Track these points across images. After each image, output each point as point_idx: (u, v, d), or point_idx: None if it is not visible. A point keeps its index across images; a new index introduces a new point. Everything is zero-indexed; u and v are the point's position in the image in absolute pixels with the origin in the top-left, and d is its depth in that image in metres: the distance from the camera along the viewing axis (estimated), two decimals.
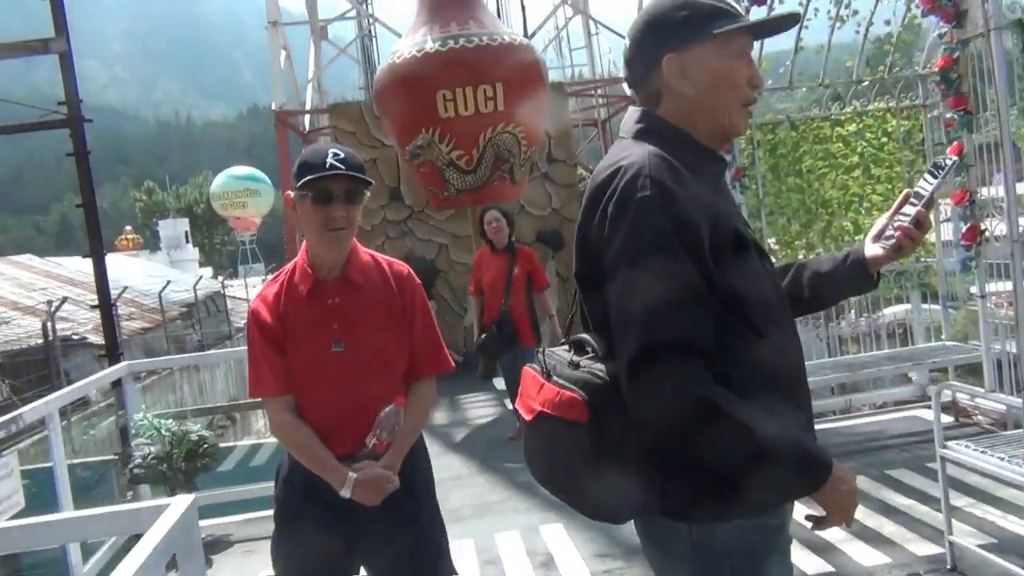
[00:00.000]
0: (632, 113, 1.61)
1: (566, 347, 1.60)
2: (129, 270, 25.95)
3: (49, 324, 13.95)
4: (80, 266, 25.06)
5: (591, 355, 1.50)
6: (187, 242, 41.50)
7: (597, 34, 17.34)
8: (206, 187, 51.23)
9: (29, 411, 4.33)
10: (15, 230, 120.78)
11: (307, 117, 15.11)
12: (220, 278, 30.86)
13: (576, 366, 1.49)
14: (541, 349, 1.63)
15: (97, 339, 16.86)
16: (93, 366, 16.07)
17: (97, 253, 10.79)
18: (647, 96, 1.58)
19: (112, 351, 10.80)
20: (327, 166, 2.15)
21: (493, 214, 6.51)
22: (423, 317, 2.41)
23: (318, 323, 2.27)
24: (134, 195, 65.26)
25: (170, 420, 5.25)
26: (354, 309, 2.29)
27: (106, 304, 10.77)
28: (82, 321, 18.00)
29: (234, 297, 28.44)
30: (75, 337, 15.77)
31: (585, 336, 1.54)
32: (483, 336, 6.55)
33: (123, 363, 5.37)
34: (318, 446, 2.24)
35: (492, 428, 7.39)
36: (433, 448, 2.92)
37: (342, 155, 2.20)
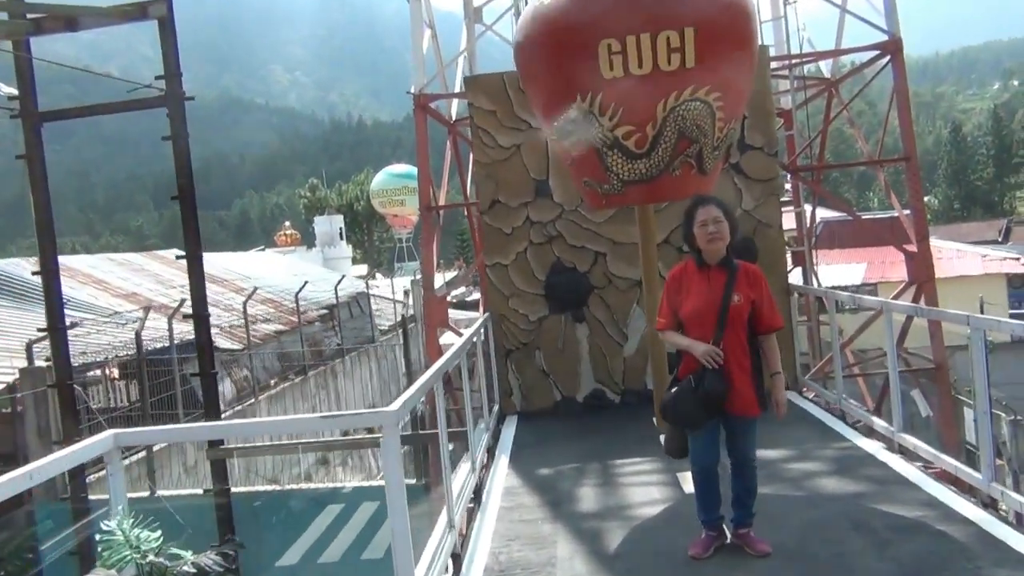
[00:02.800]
0: None
1: None
2: (274, 268, 25.27)
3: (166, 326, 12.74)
4: (224, 262, 24.59)
5: None
6: (341, 239, 41.29)
7: (793, 3, 14.43)
8: (367, 185, 51.29)
9: None
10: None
11: (453, 103, 13.23)
12: (364, 278, 29.93)
13: None
14: None
15: (227, 343, 15.72)
16: (217, 373, 14.90)
17: (193, 255, 9.23)
18: None
19: (206, 369, 9.24)
20: None
21: (709, 210, 4.28)
22: None
23: None
24: (299, 192, 66.91)
25: (155, 537, 3.25)
26: None
27: (200, 308, 9.23)
28: (217, 321, 17.01)
29: (381, 297, 27.30)
30: None
31: None
32: (675, 391, 4.28)
33: (107, 433, 3.41)
34: None
35: (664, 527, 5.02)
36: None
37: None
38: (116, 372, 13.30)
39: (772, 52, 14.90)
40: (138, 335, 10.79)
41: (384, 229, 54.41)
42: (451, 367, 5.50)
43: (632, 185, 5.99)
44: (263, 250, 37.05)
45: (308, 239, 45.66)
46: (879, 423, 6.40)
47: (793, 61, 13.24)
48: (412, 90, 13.14)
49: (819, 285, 13.94)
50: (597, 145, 5.89)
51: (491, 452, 7.29)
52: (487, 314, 8.70)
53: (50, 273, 9.17)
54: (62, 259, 19.77)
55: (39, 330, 9.35)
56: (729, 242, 4.31)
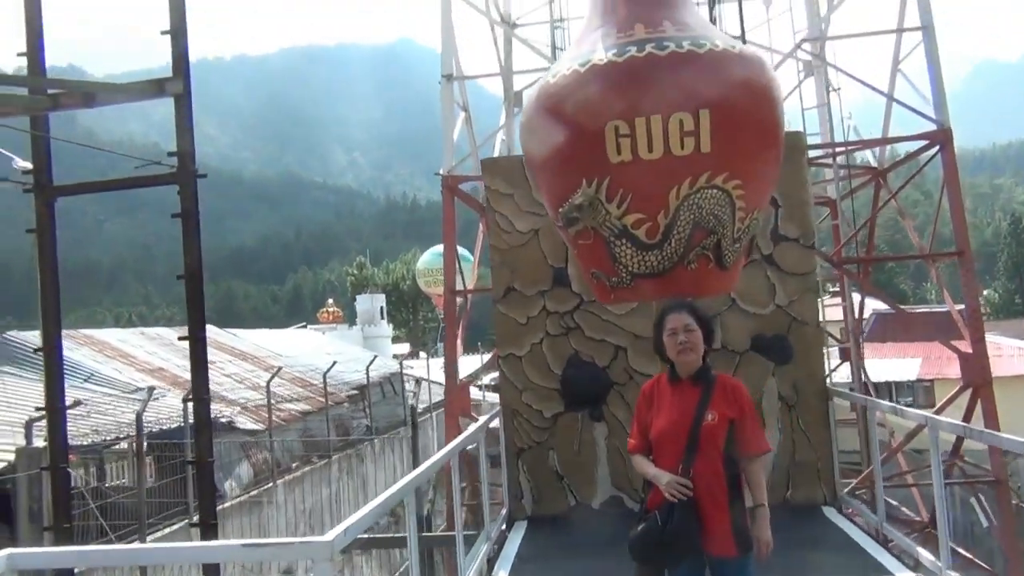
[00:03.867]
0: None
1: None
2: (308, 345, 25.05)
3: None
4: (258, 339, 24.44)
5: None
6: (382, 318, 41.21)
7: (837, 90, 14.00)
8: (414, 264, 51.63)
9: None
10: (254, 298, 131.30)
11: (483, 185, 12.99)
12: (400, 357, 29.53)
13: None
14: None
15: (248, 423, 15.32)
16: (233, 456, 14.46)
17: (195, 336, 8.90)
18: None
19: (203, 456, 8.77)
20: None
21: (680, 317, 3.74)
22: None
23: None
24: (346, 269, 67.63)
25: None
26: None
27: (201, 391, 8.81)
28: (240, 400, 16.67)
29: (417, 378, 26.80)
30: (221, 420, 14.26)
31: None
32: (641, 528, 3.73)
33: (2, 553, 2.94)
34: None
35: None
36: None
37: None
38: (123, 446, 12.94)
39: (818, 139, 14.45)
40: (139, 416, 10.44)
41: (429, 309, 54.46)
42: (432, 474, 4.93)
43: (643, 279, 5.46)
44: (304, 327, 37.16)
45: (352, 316, 45.77)
46: (925, 556, 5.60)
47: (837, 149, 12.75)
48: (441, 171, 12.93)
49: (868, 382, 13.09)
50: (604, 234, 5.40)
51: (491, 563, 6.63)
52: (497, 409, 8.14)
53: (52, 351, 8.89)
54: (93, 332, 19.84)
55: (37, 409, 9.03)
56: (704, 352, 3.77)
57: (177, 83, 8.66)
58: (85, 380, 14.82)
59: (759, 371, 7.74)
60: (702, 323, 3.83)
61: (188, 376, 16.21)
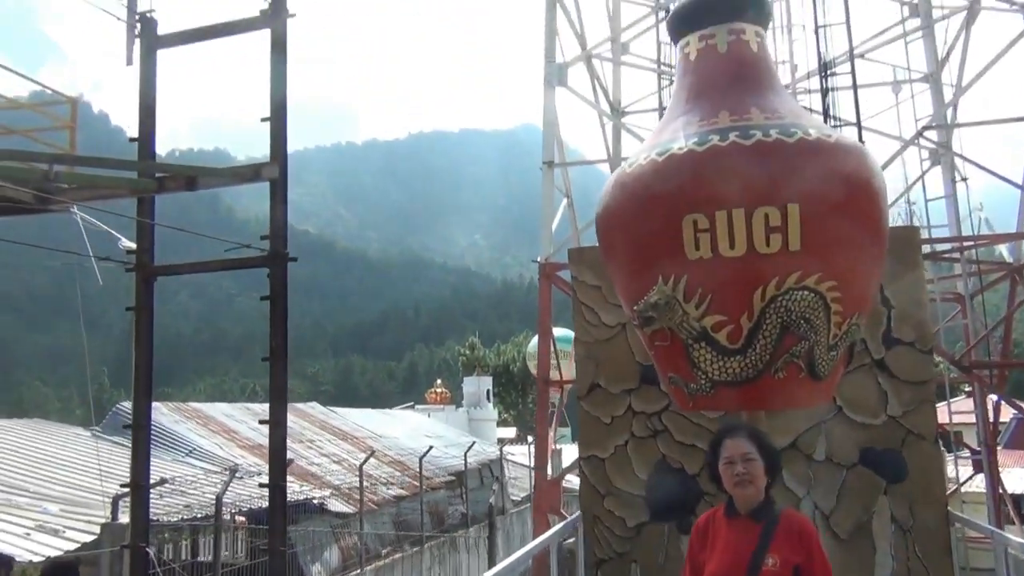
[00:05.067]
0: None
1: None
2: (410, 427, 24.96)
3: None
4: (359, 418, 24.54)
5: None
6: (488, 400, 40.93)
7: (965, 180, 13.06)
8: (525, 346, 51.41)
9: None
10: (371, 373, 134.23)
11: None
12: (503, 443, 29.07)
13: None
14: None
15: (340, 506, 15.18)
16: (323, 539, 14.28)
17: (277, 419, 8.83)
18: None
19: (276, 546, 8.56)
20: None
21: (738, 444, 3.31)
22: None
23: None
24: (458, 349, 68.18)
25: None
26: None
27: (278, 477, 8.65)
28: (335, 482, 16.59)
29: (519, 464, 26.23)
30: (314, 502, 14.16)
31: None
32: None
33: None
34: None
35: None
36: None
37: None
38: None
39: (945, 233, 13.45)
40: (219, 499, 10.39)
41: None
42: None
43: (725, 387, 4.93)
44: (412, 407, 37.35)
45: (460, 397, 45.82)
46: None
47: (965, 243, 11.81)
48: (539, 259, 12.73)
49: (1004, 494, 11.74)
50: (682, 336, 4.93)
51: None
52: (577, 514, 7.61)
53: (140, 428, 9.04)
54: (201, 406, 20.38)
55: (122, 486, 9.13)
56: (768, 485, 3.25)
57: (273, 168, 8.84)
58: (187, 454, 15.11)
59: (869, 489, 6.95)
60: (764, 452, 3.33)
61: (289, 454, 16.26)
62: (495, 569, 4.79)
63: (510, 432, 40.21)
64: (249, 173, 8.78)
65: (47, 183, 8.56)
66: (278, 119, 8.99)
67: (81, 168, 9.39)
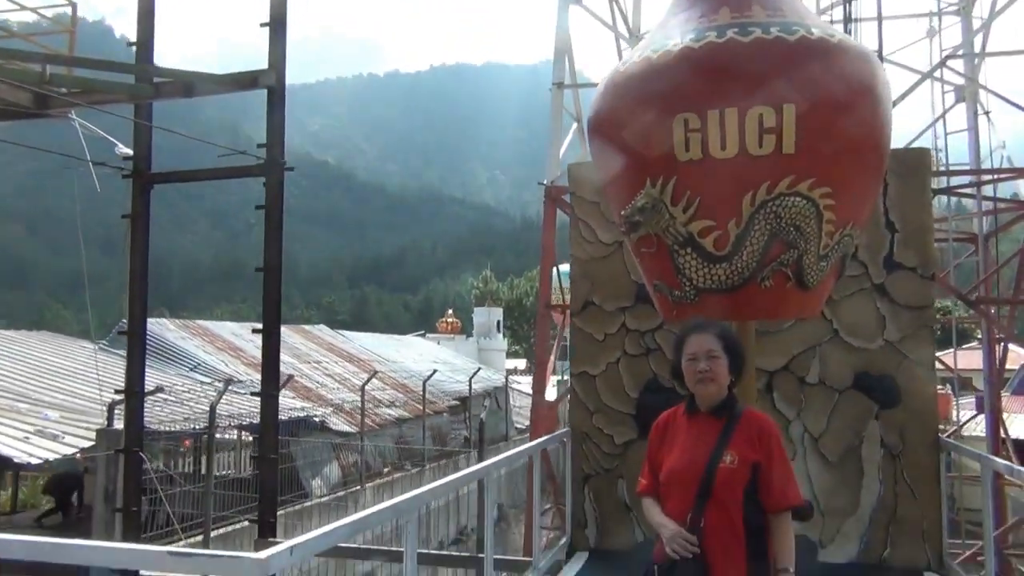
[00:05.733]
0: None
1: None
2: (419, 353, 25.10)
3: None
4: (371, 343, 24.69)
5: None
6: (498, 331, 41.10)
7: (987, 113, 12.67)
8: (538, 280, 51.45)
9: None
10: (387, 304, 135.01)
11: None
12: (510, 373, 29.22)
13: None
14: None
15: (341, 424, 15.33)
16: (324, 456, 14.45)
17: (270, 329, 8.81)
18: None
19: (267, 452, 8.64)
20: None
21: (702, 340, 3.20)
22: None
23: None
24: (472, 282, 68.29)
25: None
26: None
27: (270, 387, 8.68)
28: (336, 401, 16.75)
29: (524, 393, 26.38)
30: (315, 419, 14.29)
31: None
32: None
33: None
34: None
35: None
36: None
37: None
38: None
39: (968, 166, 13.09)
40: (212, 408, 10.46)
41: (552, 326, 54.03)
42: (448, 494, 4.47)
43: (710, 294, 4.82)
44: (423, 335, 37.58)
45: (471, 328, 46.00)
46: None
47: (983, 178, 11.51)
48: (545, 181, 12.53)
49: (1007, 438, 11.67)
50: (668, 241, 4.80)
51: None
52: (565, 429, 7.59)
53: (136, 337, 9.06)
54: (209, 324, 20.53)
55: (116, 391, 9.20)
56: (731, 383, 3.14)
57: (270, 76, 8.67)
58: (191, 369, 15.25)
59: (861, 412, 6.86)
60: (730, 349, 3.22)
61: (289, 372, 16.41)
62: (473, 468, 4.77)
63: (520, 363, 40.44)
64: (247, 80, 8.60)
65: (43, 85, 8.44)
66: (278, 26, 8.79)
67: (79, 72, 9.26)
